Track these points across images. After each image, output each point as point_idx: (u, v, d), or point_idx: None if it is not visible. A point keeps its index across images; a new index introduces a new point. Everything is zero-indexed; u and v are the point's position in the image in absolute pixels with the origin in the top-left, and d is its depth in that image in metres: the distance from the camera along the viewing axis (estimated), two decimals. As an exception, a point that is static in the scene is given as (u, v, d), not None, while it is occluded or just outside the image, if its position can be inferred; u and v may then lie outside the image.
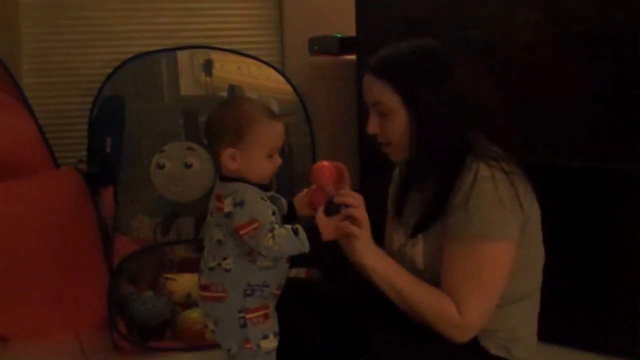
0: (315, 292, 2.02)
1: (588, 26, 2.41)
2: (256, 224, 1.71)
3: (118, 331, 2.63)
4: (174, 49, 3.03)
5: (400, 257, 1.80)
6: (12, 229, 2.75)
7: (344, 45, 3.23)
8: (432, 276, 1.72)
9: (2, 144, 2.87)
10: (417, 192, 1.83)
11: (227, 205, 1.74)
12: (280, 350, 1.82)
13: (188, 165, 2.81)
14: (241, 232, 1.72)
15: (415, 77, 1.70)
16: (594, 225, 2.45)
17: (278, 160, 1.79)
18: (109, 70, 2.99)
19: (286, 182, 3.03)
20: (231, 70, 3.07)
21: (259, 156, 1.76)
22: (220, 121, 1.77)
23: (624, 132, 2.38)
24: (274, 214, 1.75)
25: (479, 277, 1.66)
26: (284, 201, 1.85)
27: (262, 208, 1.74)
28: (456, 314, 1.65)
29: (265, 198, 1.77)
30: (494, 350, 1.73)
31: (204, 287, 1.82)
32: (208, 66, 3.02)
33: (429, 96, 1.70)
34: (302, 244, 1.71)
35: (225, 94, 2.99)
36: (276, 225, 1.73)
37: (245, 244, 1.75)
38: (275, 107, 3.07)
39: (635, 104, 2.33)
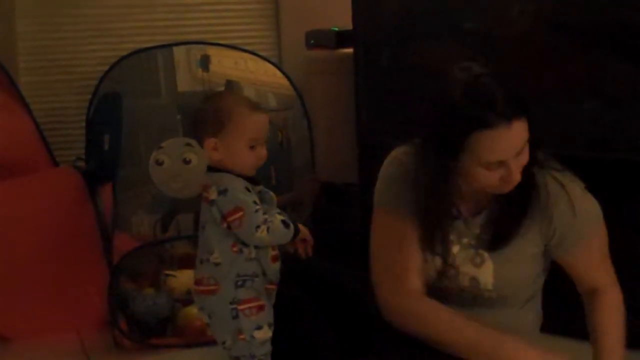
0: (320, 277, 2.00)
1: (588, 16, 2.41)
2: (240, 213, 1.75)
3: (119, 329, 2.63)
4: (171, 45, 3.02)
5: (442, 285, 1.72)
6: (11, 228, 2.75)
7: (341, 39, 3.22)
8: (500, 294, 1.70)
9: (-1, 143, 2.88)
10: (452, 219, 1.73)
11: (212, 193, 1.79)
12: (279, 337, 1.84)
13: (187, 161, 2.81)
14: (229, 219, 1.76)
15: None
16: (609, 217, 2.42)
17: (263, 153, 1.82)
18: (106, 68, 2.98)
19: (285, 175, 3.03)
20: (228, 65, 3.06)
21: (239, 146, 1.80)
22: (202, 113, 1.84)
23: (626, 123, 2.38)
24: (256, 203, 1.79)
25: (606, 254, 1.78)
26: (272, 195, 1.88)
27: (245, 197, 1.78)
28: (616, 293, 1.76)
29: (251, 189, 1.80)
30: None
31: (197, 282, 1.86)
32: (205, 62, 3.02)
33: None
34: (289, 235, 1.83)
35: (222, 89, 2.99)
36: (273, 218, 1.78)
37: (230, 235, 1.78)
38: (272, 102, 3.08)
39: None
